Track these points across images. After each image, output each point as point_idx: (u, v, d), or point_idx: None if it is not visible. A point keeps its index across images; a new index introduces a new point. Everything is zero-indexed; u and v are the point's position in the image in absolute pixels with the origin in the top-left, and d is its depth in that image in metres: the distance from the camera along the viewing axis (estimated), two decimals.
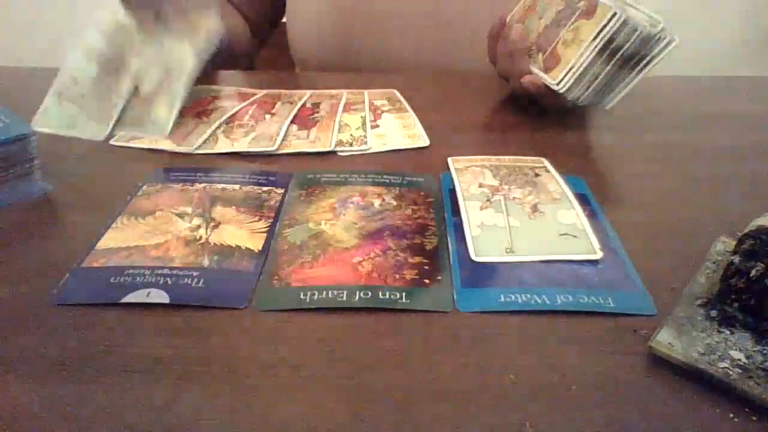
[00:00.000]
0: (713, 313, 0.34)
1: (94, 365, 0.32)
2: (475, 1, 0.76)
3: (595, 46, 0.54)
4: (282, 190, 0.48)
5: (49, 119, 0.56)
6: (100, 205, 0.46)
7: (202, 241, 0.41)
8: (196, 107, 0.61)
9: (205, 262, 0.39)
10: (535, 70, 0.59)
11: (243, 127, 0.57)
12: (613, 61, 0.55)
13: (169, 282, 0.37)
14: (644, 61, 0.56)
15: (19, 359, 0.32)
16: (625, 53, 0.54)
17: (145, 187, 0.48)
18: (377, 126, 0.59)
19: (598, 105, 0.59)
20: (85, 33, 0.58)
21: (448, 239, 0.42)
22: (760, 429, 0.29)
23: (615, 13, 0.53)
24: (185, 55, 0.58)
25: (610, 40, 0.54)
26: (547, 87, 0.58)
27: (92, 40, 0.58)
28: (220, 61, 0.65)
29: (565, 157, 0.53)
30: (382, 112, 0.63)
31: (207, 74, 0.65)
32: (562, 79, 0.56)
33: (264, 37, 0.89)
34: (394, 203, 0.46)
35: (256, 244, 0.41)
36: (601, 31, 0.54)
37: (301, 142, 0.56)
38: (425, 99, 0.66)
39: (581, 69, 0.55)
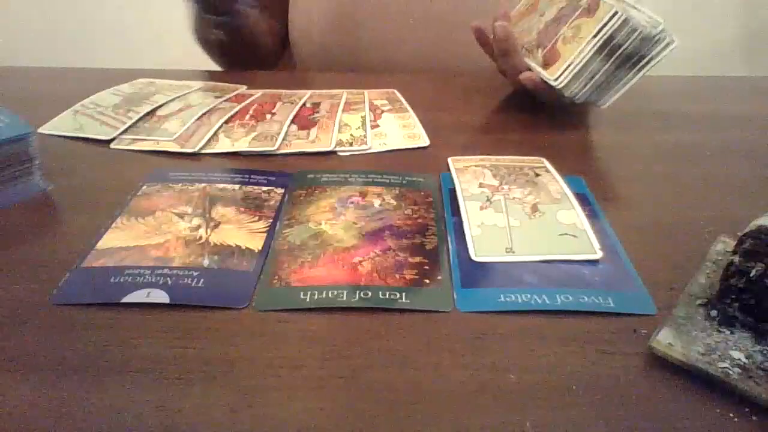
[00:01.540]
0: (713, 313, 0.34)
1: (94, 365, 0.32)
2: (475, 1, 0.76)
3: (595, 44, 0.54)
4: (282, 190, 0.48)
5: (60, 125, 0.58)
6: (100, 205, 0.46)
7: (202, 241, 0.41)
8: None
9: (205, 262, 0.39)
10: (533, 65, 0.59)
11: (244, 127, 0.58)
12: (611, 60, 0.55)
13: (169, 282, 0.37)
14: (643, 62, 0.56)
15: (19, 359, 0.32)
16: (625, 52, 0.54)
17: (145, 187, 0.48)
18: (377, 126, 0.59)
19: (595, 103, 0.59)
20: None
21: (448, 239, 0.42)
22: (760, 429, 0.29)
23: (616, 12, 0.53)
24: (208, 100, 0.63)
25: (610, 39, 0.54)
26: (544, 83, 0.58)
27: (120, 88, 0.66)
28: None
29: (565, 157, 0.53)
30: (382, 112, 0.63)
31: None
32: (560, 75, 0.56)
33: (283, 47, 0.89)
34: (394, 203, 0.46)
35: (256, 244, 0.41)
36: (601, 29, 0.54)
37: (301, 142, 0.56)
38: (425, 99, 0.66)
39: (579, 66, 0.55)
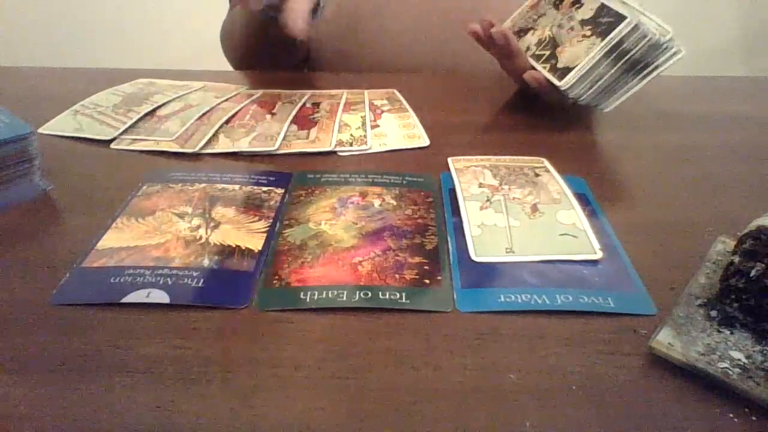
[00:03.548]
0: (713, 313, 0.34)
1: (94, 365, 0.32)
2: (476, 0, 0.77)
3: (604, 47, 0.54)
4: (282, 190, 0.48)
5: (60, 125, 0.58)
6: (100, 205, 0.46)
7: (202, 241, 0.41)
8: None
9: (205, 262, 0.39)
10: (536, 65, 0.59)
11: (244, 127, 0.58)
12: (619, 65, 0.55)
13: (169, 282, 0.37)
14: (648, 69, 0.56)
15: (19, 359, 0.32)
16: (632, 58, 0.55)
17: (145, 187, 0.48)
18: (377, 126, 0.59)
19: (597, 106, 0.59)
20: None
21: (448, 239, 0.42)
22: (760, 429, 0.29)
23: (626, 17, 0.53)
24: (208, 100, 0.63)
25: (619, 43, 0.54)
26: (548, 82, 0.58)
27: (120, 88, 0.66)
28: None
29: (565, 157, 0.53)
30: (382, 112, 0.63)
31: None
32: (567, 77, 0.56)
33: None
34: (394, 203, 0.46)
35: (256, 244, 0.41)
36: (611, 33, 0.54)
37: (301, 142, 0.56)
38: (425, 99, 0.66)
39: (587, 68, 0.55)
